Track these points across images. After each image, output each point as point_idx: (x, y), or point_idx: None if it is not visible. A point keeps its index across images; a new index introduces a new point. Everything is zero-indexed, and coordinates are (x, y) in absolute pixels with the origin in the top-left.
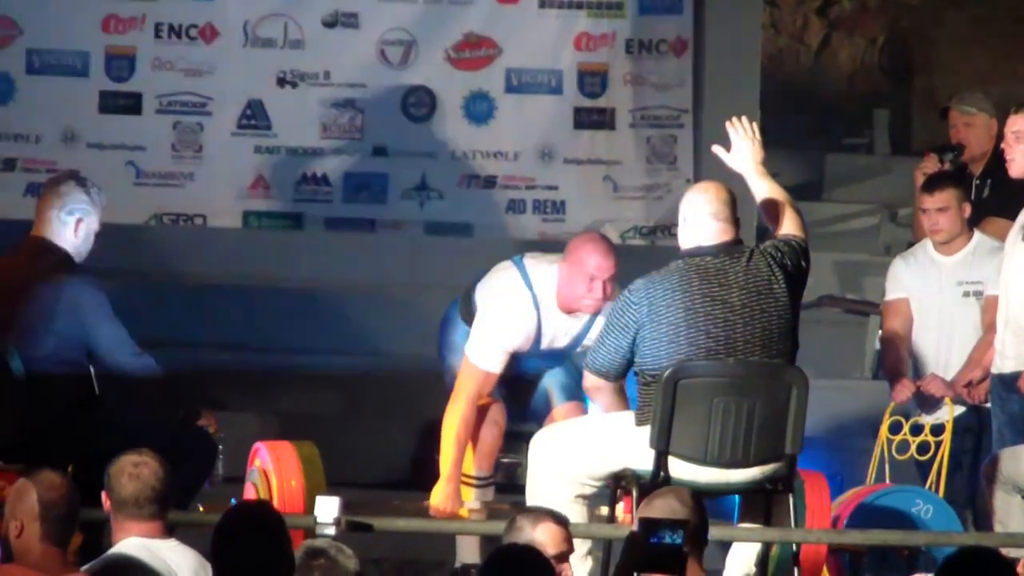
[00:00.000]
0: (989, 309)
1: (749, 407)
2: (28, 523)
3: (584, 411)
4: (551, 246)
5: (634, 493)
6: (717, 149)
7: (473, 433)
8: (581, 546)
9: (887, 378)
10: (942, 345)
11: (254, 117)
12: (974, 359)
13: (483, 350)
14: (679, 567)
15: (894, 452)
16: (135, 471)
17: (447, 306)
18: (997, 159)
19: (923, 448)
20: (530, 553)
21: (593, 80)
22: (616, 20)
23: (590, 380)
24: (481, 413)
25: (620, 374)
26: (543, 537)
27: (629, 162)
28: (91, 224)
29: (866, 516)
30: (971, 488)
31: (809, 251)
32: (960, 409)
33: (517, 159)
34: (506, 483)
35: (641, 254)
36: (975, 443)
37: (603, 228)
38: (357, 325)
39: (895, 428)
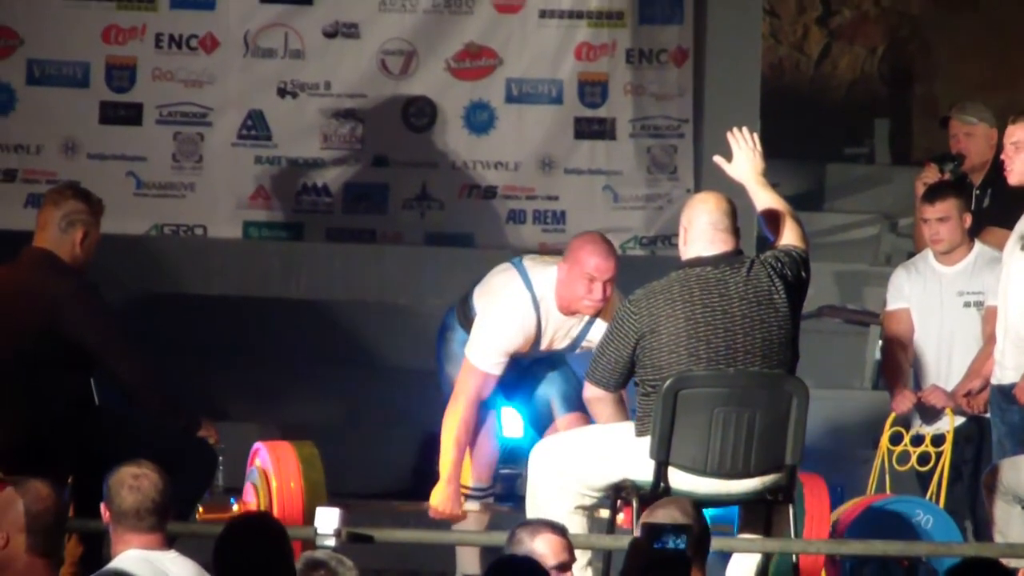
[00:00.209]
0: (990, 319)
1: (749, 417)
2: (14, 535)
3: (587, 421)
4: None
5: (634, 504)
6: (718, 159)
7: (470, 445)
8: (581, 557)
9: (888, 388)
10: (943, 355)
11: (254, 127)
12: (974, 369)
13: (483, 351)
14: (683, 572)
15: (895, 462)
16: (135, 483)
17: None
18: (997, 169)
19: (924, 458)
20: (529, 564)
21: (593, 90)
22: (616, 30)
23: (590, 391)
24: (478, 425)
25: (620, 384)
26: (543, 548)
27: (629, 172)
28: (92, 235)
29: (867, 526)
30: (971, 498)
31: (809, 261)
32: (960, 419)
33: (517, 169)
34: (506, 494)
35: (641, 264)
36: (975, 453)
37: None
38: (358, 335)
39: (896, 438)
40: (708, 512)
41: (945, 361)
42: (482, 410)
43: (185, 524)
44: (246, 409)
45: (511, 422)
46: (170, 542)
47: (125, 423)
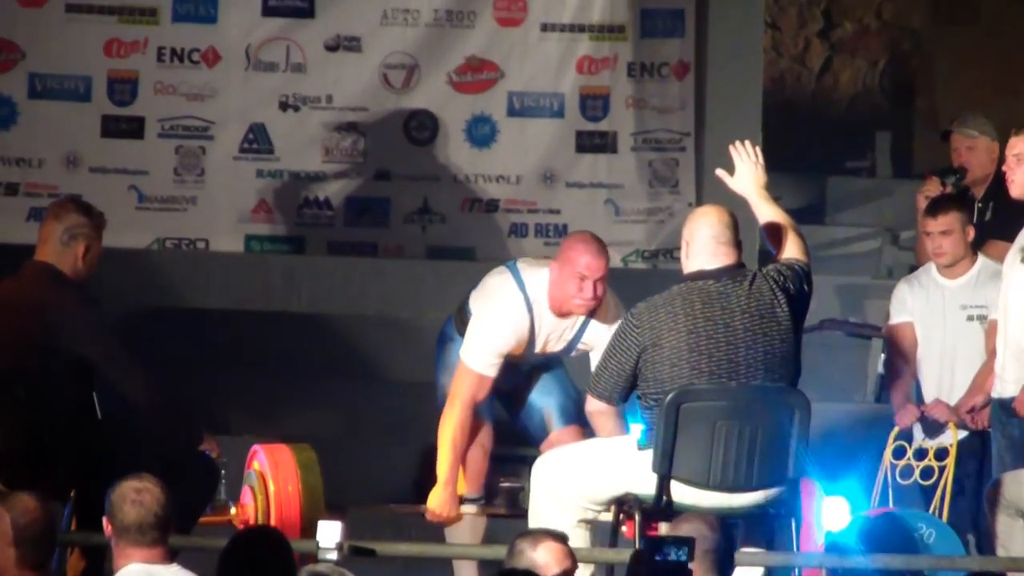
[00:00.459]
0: (993, 333)
1: (751, 431)
2: (3, 548)
3: (583, 435)
4: None
5: (636, 517)
6: (720, 173)
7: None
8: (584, 570)
9: (891, 402)
10: (946, 369)
11: (256, 141)
12: (977, 384)
13: (477, 353)
14: None
15: (898, 476)
16: (137, 497)
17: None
18: (999, 182)
19: (927, 472)
20: None
21: (595, 103)
22: (618, 43)
23: (592, 404)
24: (470, 435)
25: (623, 398)
26: (545, 557)
27: (631, 185)
28: (94, 248)
29: (869, 540)
30: (974, 512)
31: (812, 275)
32: (963, 433)
33: (519, 183)
34: (509, 508)
35: (643, 278)
36: (978, 467)
37: None
38: (359, 349)
39: (899, 452)
40: None
41: (948, 375)
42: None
43: (187, 538)
44: (248, 422)
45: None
46: (172, 556)
47: (127, 437)
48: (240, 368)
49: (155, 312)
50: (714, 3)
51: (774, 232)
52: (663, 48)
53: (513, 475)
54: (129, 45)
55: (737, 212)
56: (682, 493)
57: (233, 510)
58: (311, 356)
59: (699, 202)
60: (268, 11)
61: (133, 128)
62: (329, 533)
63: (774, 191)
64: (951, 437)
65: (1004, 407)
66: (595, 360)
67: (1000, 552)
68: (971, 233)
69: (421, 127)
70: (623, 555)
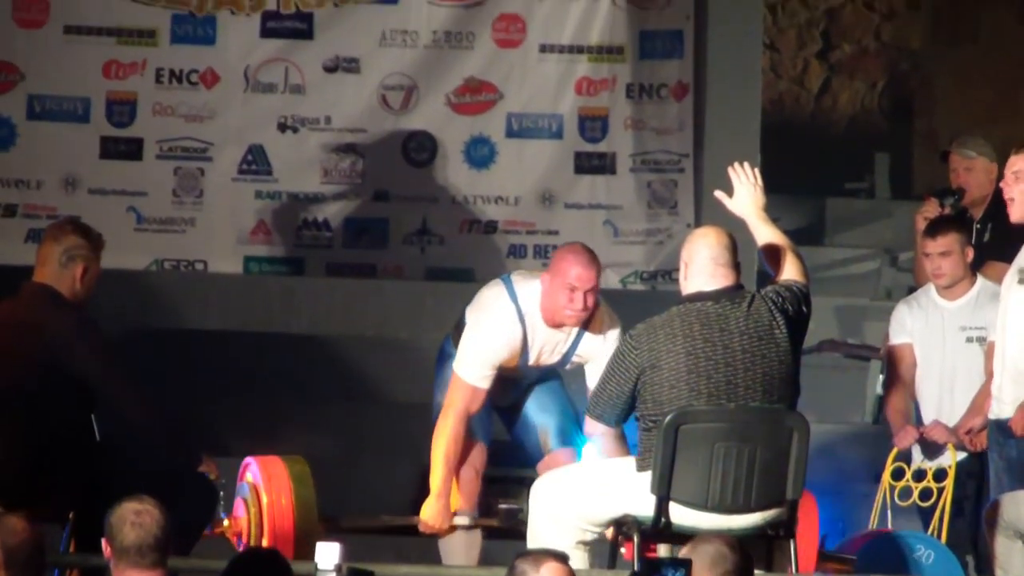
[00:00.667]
0: (992, 355)
1: (750, 452)
2: None
3: (576, 457)
4: None
5: (635, 539)
6: (719, 194)
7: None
8: None
9: (890, 423)
10: (945, 390)
11: (255, 162)
12: (976, 405)
13: (469, 364)
14: None
15: (896, 497)
16: (137, 519)
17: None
18: (997, 203)
19: (925, 494)
20: None
21: (594, 124)
22: (616, 64)
23: (591, 426)
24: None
25: (621, 419)
26: None
27: (630, 207)
28: (92, 270)
29: (868, 561)
30: (973, 533)
31: (810, 296)
32: (962, 455)
33: (518, 204)
34: (507, 529)
35: (642, 299)
36: (977, 489)
37: (603, 273)
38: (358, 370)
39: (898, 473)
40: None
41: (947, 396)
42: (471, 437)
43: (186, 559)
44: (246, 444)
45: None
46: None
47: (125, 458)
48: (239, 389)
49: (153, 333)
50: (713, 24)
51: (773, 253)
52: (662, 69)
53: (511, 496)
54: (128, 67)
55: (736, 233)
56: (681, 515)
57: (226, 522)
58: (310, 377)
59: (698, 223)
60: (267, 32)
61: (132, 149)
62: (328, 555)
63: (773, 212)
64: (950, 458)
65: (1001, 428)
66: (590, 373)
67: (999, 573)
68: (970, 254)
69: (420, 148)
70: None
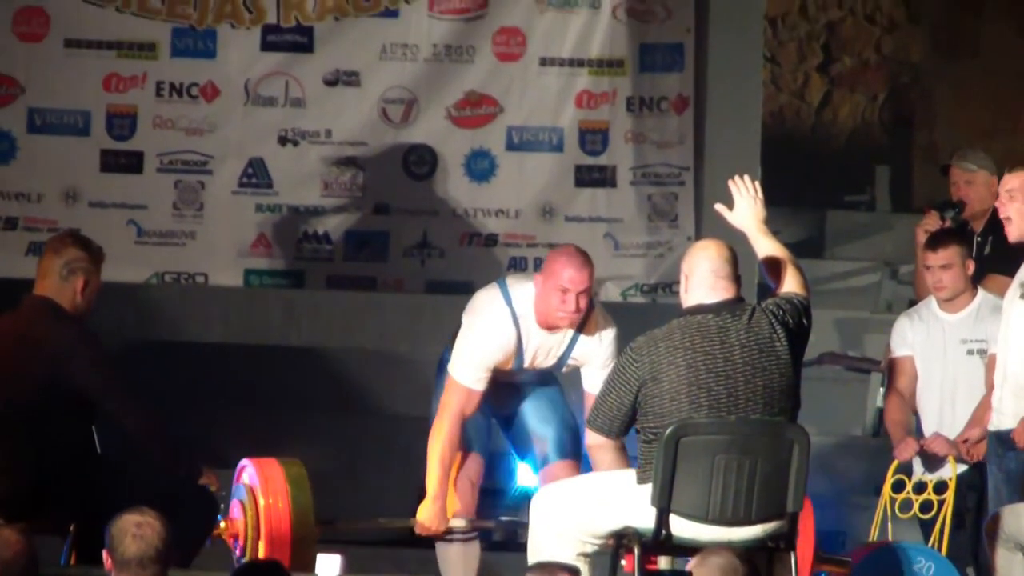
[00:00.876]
0: (993, 367)
1: (751, 465)
2: None
3: (579, 469)
4: None
5: (636, 551)
6: (720, 207)
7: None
8: None
9: (891, 436)
10: (946, 403)
11: (255, 175)
12: (976, 417)
13: (463, 366)
14: None
15: (897, 510)
16: (138, 531)
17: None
18: (998, 216)
19: (926, 506)
20: None
21: (594, 138)
22: (617, 78)
23: (591, 438)
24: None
25: (622, 431)
26: None
27: (630, 220)
28: (93, 283)
29: (868, 573)
30: (974, 546)
31: (811, 309)
32: (963, 467)
33: (518, 217)
34: (505, 540)
35: (642, 312)
36: (978, 501)
37: (604, 286)
38: (358, 383)
39: (898, 486)
40: None
41: (948, 409)
42: (467, 448)
43: (187, 572)
44: (246, 456)
45: (525, 474)
46: None
47: (126, 471)
48: (239, 402)
49: (154, 346)
50: (713, 38)
51: (773, 266)
52: (662, 82)
53: (512, 509)
54: (128, 80)
55: (736, 246)
56: (681, 527)
57: (223, 524)
58: (310, 390)
59: (698, 236)
60: (267, 46)
61: (132, 162)
62: (328, 567)
63: (773, 225)
64: (950, 471)
65: (1001, 440)
66: (586, 376)
67: None
68: (971, 267)
69: (420, 161)
70: None
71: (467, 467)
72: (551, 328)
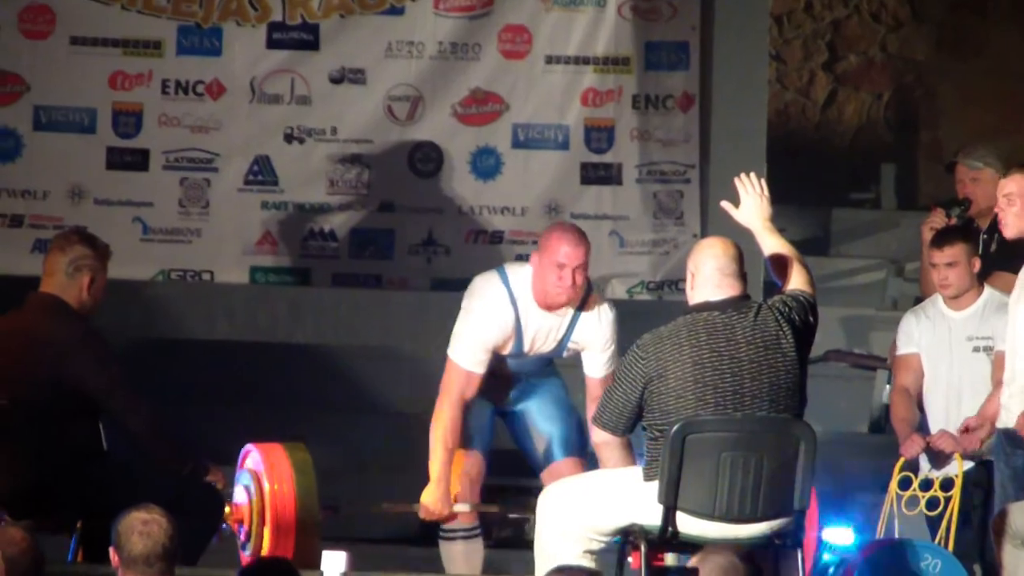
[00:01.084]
0: (999, 365)
1: (757, 462)
2: None
3: (584, 467)
4: None
5: (642, 548)
6: (726, 205)
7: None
8: None
9: (897, 433)
10: (952, 400)
11: (261, 173)
12: (981, 412)
13: (462, 348)
14: None
15: (903, 507)
16: (145, 529)
17: None
18: None
19: (932, 503)
20: None
21: (600, 135)
22: (622, 76)
23: (597, 435)
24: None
25: (628, 428)
26: None
27: (636, 217)
28: (98, 280)
29: (875, 571)
30: (980, 543)
31: (817, 306)
32: (969, 464)
33: (524, 214)
34: (514, 539)
35: (648, 309)
36: (984, 498)
37: (610, 283)
38: (364, 381)
39: (904, 483)
40: None
41: (955, 406)
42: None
43: (193, 569)
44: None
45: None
46: None
47: (132, 469)
48: (244, 399)
49: (159, 343)
50: (719, 36)
51: (779, 264)
52: (668, 80)
53: (518, 506)
54: (134, 78)
55: (742, 244)
56: (688, 524)
57: (227, 509)
58: (315, 387)
59: (704, 234)
60: (273, 44)
61: (138, 160)
62: (334, 564)
63: (779, 223)
64: (957, 468)
65: (1009, 437)
66: (587, 360)
67: None
68: (977, 265)
69: (426, 159)
70: None
71: (468, 465)
72: (550, 308)
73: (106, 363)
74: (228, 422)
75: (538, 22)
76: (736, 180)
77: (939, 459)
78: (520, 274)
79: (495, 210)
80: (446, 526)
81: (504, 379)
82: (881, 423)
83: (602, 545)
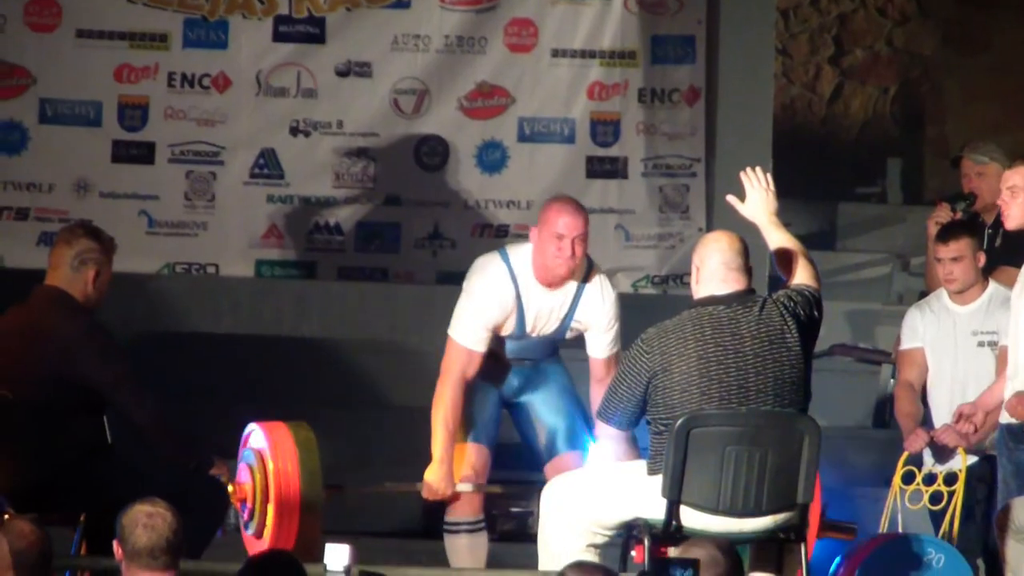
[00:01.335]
0: (1004, 359)
1: (761, 456)
2: (2, 573)
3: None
4: None
5: (646, 542)
6: (731, 199)
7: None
8: None
9: (900, 427)
10: (956, 395)
11: (267, 166)
12: (981, 400)
13: (462, 326)
14: None
15: (907, 501)
16: (149, 522)
17: None
18: None
19: (936, 498)
20: None
21: (606, 129)
22: (629, 69)
23: (602, 429)
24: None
25: (632, 423)
26: None
27: (642, 211)
28: (104, 273)
29: (878, 565)
30: (984, 537)
31: (822, 300)
32: (973, 459)
33: (530, 208)
34: (518, 532)
35: (653, 303)
36: (988, 493)
37: (615, 277)
38: (369, 374)
39: (908, 477)
40: None
41: (959, 401)
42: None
43: (198, 562)
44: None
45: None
46: None
47: (137, 462)
48: (249, 393)
49: (164, 337)
50: (725, 30)
51: (784, 258)
52: (674, 74)
53: (522, 500)
54: (140, 71)
55: (747, 238)
56: (692, 518)
57: (231, 488)
58: (321, 381)
59: (709, 228)
60: (279, 37)
61: (143, 153)
62: (337, 557)
63: (784, 217)
64: (960, 462)
65: (1011, 433)
66: (590, 341)
67: None
68: (982, 259)
69: (431, 153)
70: None
71: (472, 460)
72: (551, 283)
73: (111, 357)
74: (233, 416)
75: (544, 16)
76: (742, 174)
77: (943, 454)
78: (520, 252)
79: (501, 204)
80: (450, 519)
81: (510, 372)
82: (885, 417)
83: (606, 539)
